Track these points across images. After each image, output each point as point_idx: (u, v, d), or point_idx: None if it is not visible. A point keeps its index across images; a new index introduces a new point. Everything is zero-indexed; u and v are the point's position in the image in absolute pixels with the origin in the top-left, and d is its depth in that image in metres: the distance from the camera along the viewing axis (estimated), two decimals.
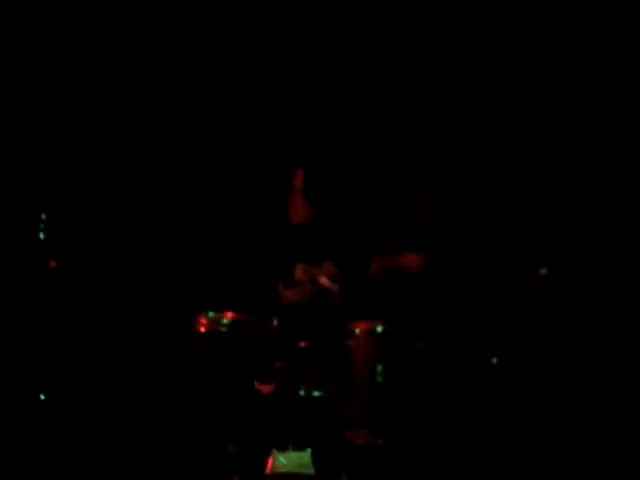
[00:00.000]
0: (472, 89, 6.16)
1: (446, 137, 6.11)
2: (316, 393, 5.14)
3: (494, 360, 5.43)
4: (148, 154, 6.00)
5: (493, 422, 5.29)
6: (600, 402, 5.33)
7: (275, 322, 5.21)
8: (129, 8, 6.06)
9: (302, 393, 5.14)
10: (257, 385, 5.10)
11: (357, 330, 5.21)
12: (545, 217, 5.89)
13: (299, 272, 5.82)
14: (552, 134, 6.04)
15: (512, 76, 6.13)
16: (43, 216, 5.49)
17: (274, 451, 4.85)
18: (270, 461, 4.82)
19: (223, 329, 5.19)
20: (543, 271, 5.50)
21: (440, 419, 5.20)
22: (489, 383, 5.38)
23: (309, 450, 4.87)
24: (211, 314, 5.32)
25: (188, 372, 5.14)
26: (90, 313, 5.49)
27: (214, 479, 4.91)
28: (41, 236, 5.44)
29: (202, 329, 5.24)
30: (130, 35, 6.07)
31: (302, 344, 5.24)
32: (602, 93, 6.00)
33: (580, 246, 5.81)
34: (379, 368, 5.17)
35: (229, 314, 5.29)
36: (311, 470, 4.84)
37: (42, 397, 5.16)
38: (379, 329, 5.24)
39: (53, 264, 5.41)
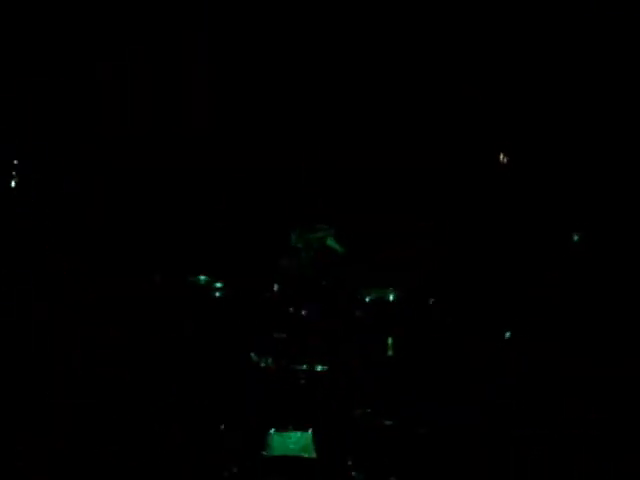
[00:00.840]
0: (472, 89, 5.92)
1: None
2: (319, 368, 4.65)
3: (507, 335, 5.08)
4: (148, 154, 5.90)
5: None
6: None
7: (275, 288, 4.71)
8: (129, 8, 5.97)
9: (304, 367, 4.64)
10: (254, 358, 4.61)
11: (366, 298, 4.72)
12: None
13: (294, 238, 5.54)
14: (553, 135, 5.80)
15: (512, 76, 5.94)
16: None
17: (273, 432, 4.44)
18: (267, 442, 4.41)
19: (217, 295, 4.69)
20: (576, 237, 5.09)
21: (452, 400, 4.85)
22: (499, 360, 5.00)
23: (310, 431, 4.45)
24: (203, 278, 4.90)
25: (176, 342, 4.66)
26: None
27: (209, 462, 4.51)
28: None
29: (196, 295, 4.78)
30: (130, 35, 5.99)
31: (304, 313, 4.75)
32: (604, 92, 5.79)
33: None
34: (390, 341, 4.69)
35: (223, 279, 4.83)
36: (312, 453, 4.43)
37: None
38: (391, 297, 4.77)
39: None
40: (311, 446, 4.44)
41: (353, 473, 4.50)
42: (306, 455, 4.42)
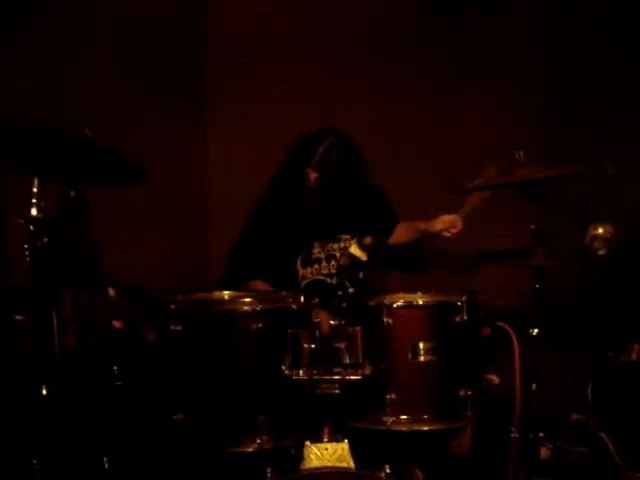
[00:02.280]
0: None
1: None
2: (351, 377, 4.59)
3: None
4: None
5: None
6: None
7: (302, 299, 4.65)
8: None
9: (335, 377, 4.58)
10: (284, 370, 4.55)
11: (395, 304, 4.66)
12: None
13: (317, 250, 5.52)
14: None
15: None
16: None
17: (307, 443, 4.38)
18: (304, 454, 4.35)
19: (244, 307, 4.63)
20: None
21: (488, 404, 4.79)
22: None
23: (346, 441, 4.40)
24: (227, 292, 4.85)
25: (207, 356, 4.58)
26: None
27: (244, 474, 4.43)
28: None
29: (219, 308, 4.71)
30: None
31: (332, 322, 4.68)
32: None
33: None
34: (421, 345, 4.62)
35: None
36: (350, 463, 4.36)
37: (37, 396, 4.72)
38: (419, 301, 4.71)
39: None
40: (348, 456, 4.38)
41: None
42: (343, 465, 4.36)
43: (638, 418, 4.99)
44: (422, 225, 5.63)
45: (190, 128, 6.41)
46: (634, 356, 5.10)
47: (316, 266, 5.58)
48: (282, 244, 5.57)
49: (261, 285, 5.49)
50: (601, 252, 4.94)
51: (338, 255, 5.55)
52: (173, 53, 6.26)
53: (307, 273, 5.60)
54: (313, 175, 5.55)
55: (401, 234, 5.79)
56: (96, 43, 5.89)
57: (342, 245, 5.58)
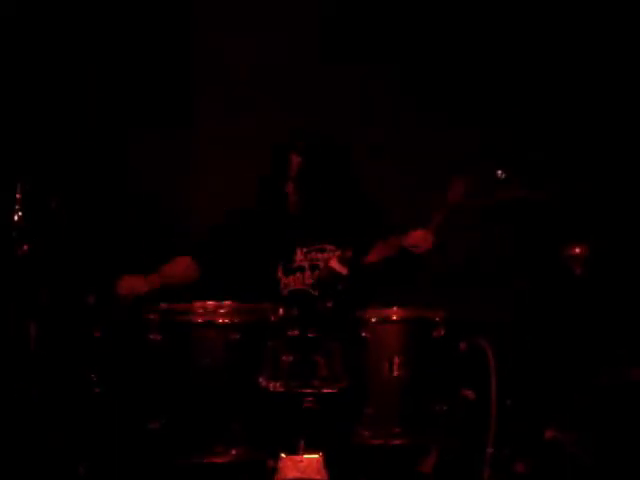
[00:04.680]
0: None
1: None
2: (327, 390, 4.62)
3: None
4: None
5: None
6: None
7: (281, 311, 4.67)
8: None
9: (312, 390, 4.61)
10: (262, 381, 4.57)
11: (373, 319, 4.69)
12: None
13: (299, 257, 5.47)
14: None
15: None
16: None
17: (282, 455, 4.41)
18: (279, 466, 4.36)
19: (222, 319, 4.65)
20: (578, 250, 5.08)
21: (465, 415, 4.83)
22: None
23: (321, 454, 4.41)
24: (207, 303, 4.86)
25: (185, 367, 4.60)
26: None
27: None
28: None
29: (198, 319, 4.72)
30: None
31: (310, 335, 4.70)
32: None
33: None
34: (397, 360, 4.66)
35: (228, 302, 4.78)
36: (324, 476, 4.39)
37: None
38: (394, 317, 4.74)
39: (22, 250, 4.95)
40: (322, 468, 4.40)
41: None
42: (318, 478, 4.38)
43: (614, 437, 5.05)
44: (395, 240, 5.62)
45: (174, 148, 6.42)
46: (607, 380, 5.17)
47: (298, 275, 5.52)
48: (262, 249, 5.53)
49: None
50: (577, 272, 5.00)
51: (321, 264, 5.51)
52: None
53: (289, 282, 5.54)
54: (290, 186, 5.53)
55: (379, 250, 5.76)
56: None
57: (326, 255, 5.52)
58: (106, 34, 5.89)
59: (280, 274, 5.46)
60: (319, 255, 5.47)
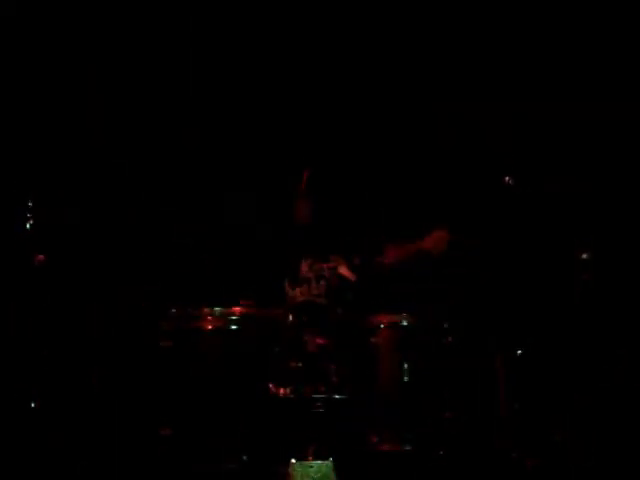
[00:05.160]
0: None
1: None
2: (337, 396, 4.66)
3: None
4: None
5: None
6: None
7: (291, 318, 4.71)
8: None
9: (322, 396, 4.65)
10: (272, 388, 4.61)
11: (381, 325, 4.73)
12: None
13: (305, 268, 5.50)
14: None
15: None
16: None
17: (292, 461, 4.44)
18: (288, 471, 4.40)
19: (232, 326, 4.70)
20: (584, 256, 5.10)
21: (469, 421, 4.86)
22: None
23: (331, 459, 4.44)
24: (218, 310, 4.89)
25: (194, 372, 4.64)
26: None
27: None
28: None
29: (209, 326, 4.76)
30: None
31: (320, 342, 4.75)
32: None
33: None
34: (405, 366, 4.70)
35: (238, 309, 4.81)
36: None
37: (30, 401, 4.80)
38: (404, 322, 4.78)
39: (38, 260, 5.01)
40: (332, 474, 4.44)
41: None
42: None
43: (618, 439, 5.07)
44: (412, 244, 5.64)
45: None
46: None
47: (305, 286, 5.53)
48: (269, 261, 5.55)
49: None
50: (584, 277, 5.03)
51: (327, 275, 5.53)
52: None
53: (297, 294, 5.54)
54: (300, 198, 5.54)
55: (394, 252, 5.78)
56: None
57: (332, 265, 5.54)
58: (120, 36, 5.90)
59: (287, 288, 5.48)
60: (324, 265, 5.49)
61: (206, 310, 4.91)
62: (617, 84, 5.96)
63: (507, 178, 5.06)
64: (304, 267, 5.47)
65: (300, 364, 4.67)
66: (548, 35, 6.06)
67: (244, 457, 4.53)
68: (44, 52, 5.71)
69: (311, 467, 4.42)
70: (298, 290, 5.42)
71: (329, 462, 4.44)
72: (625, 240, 5.64)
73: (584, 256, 5.04)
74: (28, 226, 4.72)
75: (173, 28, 6.02)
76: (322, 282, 5.39)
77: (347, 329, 4.76)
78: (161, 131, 6.07)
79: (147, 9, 5.97)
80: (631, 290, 5.56)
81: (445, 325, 4.80)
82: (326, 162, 5.65)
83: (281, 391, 4.60)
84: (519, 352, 5.13)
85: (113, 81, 5.97)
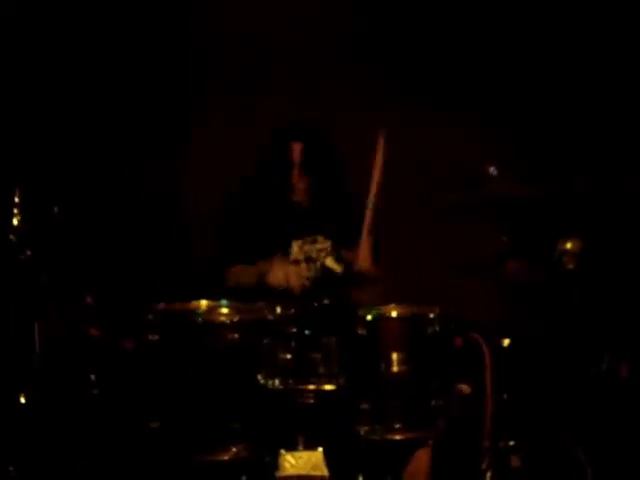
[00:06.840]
0: None
1: None
2: (325, 386, 4.67)
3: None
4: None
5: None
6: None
7: (279, 309, 4.72)
8: None
9: (310, 387, 4.67)
10: (260, 379, 4.62)
11: (369, 316, 4.74)
12: None
13: (295, 249, 5.49)
14: None
15: None
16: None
17: (282, 452, 4.46)
18: (278, 462, 4.42)
19: (221, 318, 4.70)
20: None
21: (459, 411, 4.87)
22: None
23: (321, 449, 4.47)
24: (204, 302, 4.89)
25: (184, 366, 4.64)
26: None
27: None
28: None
29: (196, 319, 4.76)
30: None
31: (307, 332, 4.76)
32: None
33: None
34: (394, 356, 4.71)
35: (225, 301, 4.82)
36: (324, 471, 4.44)
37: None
38: (393, 313, 4.80)
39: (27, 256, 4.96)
40: (322, 464, 4.45)
41: None
42: (318, 474, 4.44)
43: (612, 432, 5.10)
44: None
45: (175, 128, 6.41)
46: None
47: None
48: (260, 241, 5.51)
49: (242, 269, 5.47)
50: (570, 267, 5.04)
51: (315, 256, 5.50)
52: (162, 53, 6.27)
53: None
54: (295, 173, 5.49)
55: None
56: None
57: (318, 247, 5.52)
58: (106, 34, 5.90)
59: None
60: (312, 247, 5.49)
61: (194, 303, 4.93)
62: None
63: (491, 168, 5.04)
64: (295, 248, 5.46)
65: (289, 356, 4.68)
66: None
67: (233, 449, 4.53)
68: (44, 52, 5.71)
69: (301, 457, 4.44)
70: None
71: (319, 452, 4.47)
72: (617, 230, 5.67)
73: (570, 245, 5.06)
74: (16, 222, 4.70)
75: (173, 28, 6.05)
76: (311, 264, 5.40)
77: (334, 320, 4.77)
78: (161, 131, 6.09)
79: (147, 9, 5.99)
80: None
81: (432, 315, 4.80)
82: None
83: (270, 383, 4.60)
84: (506, 342, 5.14)
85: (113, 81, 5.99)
